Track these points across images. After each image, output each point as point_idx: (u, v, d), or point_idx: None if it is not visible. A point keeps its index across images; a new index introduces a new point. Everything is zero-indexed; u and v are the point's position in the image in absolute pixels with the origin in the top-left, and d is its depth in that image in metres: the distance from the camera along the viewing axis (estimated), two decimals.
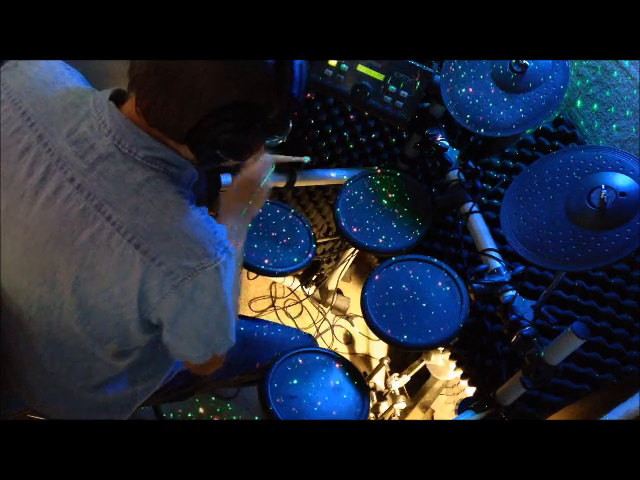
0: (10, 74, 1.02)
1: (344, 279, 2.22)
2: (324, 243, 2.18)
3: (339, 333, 2.35)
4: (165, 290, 0.94)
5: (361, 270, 2.38)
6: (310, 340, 1.59)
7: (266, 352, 1.44)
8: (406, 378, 1.90)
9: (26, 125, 0.97)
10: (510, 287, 1.36)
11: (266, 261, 1.47)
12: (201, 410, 1.95)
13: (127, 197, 0.93)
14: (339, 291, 2.20)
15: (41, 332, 1.04)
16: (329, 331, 2.31)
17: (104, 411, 1.20)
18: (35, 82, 1.00)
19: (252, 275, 1.51)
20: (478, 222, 1.53)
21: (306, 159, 1.48)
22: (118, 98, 0.97)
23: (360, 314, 1.41)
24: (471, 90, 1.49)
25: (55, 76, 1.02)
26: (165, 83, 0.90)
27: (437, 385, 1.88)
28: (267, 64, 0.91)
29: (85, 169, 0.94)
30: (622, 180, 1.17)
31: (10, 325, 1.05)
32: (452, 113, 1.49)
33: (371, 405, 1.82)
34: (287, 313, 2.33)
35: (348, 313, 2.23)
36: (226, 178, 1.56)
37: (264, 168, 1.25)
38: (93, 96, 0.98)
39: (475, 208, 1.54)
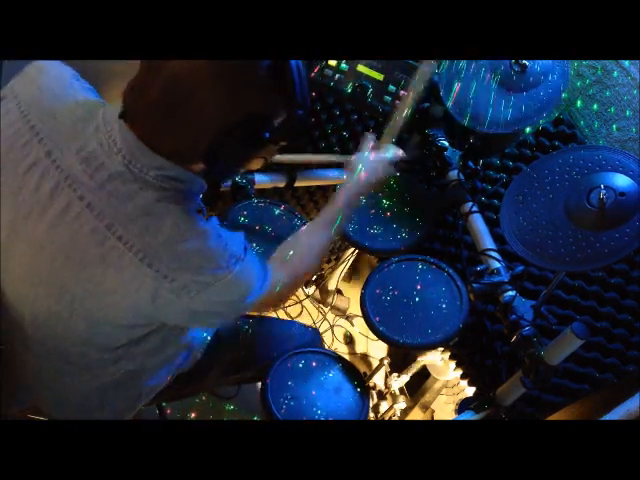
0: (20, 82, 1.01)
1: (344, 279, 2.22)
2: None
3: (339, 333, 2.35)
4: (183, 301, 0.95)
5: (361, 270, 2.38)
6: (314, 334, 1.59)
7: (268, 348, 1.44)
8: (406, 378, 1.90)
9: (35, 140, 0.96)
10: (510, 287, 1.36)
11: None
12: (201, 410, 1.95)
13: (137, 217, 0.93)
14: (339, 291, 2.20)
15: (47, 339, 1.04)
16: (329, 331, 2.30)
17: (108, 412, 1.20)
18: (45, 94, 0.99)
19: None
20: (478, 222, 1.53)
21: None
22: (127, 115, 0.96)
23: (360, 314, 1.41)
24: (471, 90, 1.49)
25: (64, 88, 1.01)
26: (170, 117, 0.90)
27: (437, 385, 1.88)
28: (264, 75, 0.91)
29: (95, 188, 0.93)
30: (621, 180, 1.17)
31: (14, 332, 1.06)
32: (452, 113, 1.49)
33: (371, 405, 1.82)
34: (287, 313, 2.33)
35: (348, 313, 2.23)
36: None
37: (383, 166, 1.35)
38: (102, 111, 0.97)
39: (475, 208, 1.54)
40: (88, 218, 0.93)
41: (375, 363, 2.18)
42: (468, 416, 1.44)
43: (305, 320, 2.32)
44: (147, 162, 0.93)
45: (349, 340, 2.37)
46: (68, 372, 1.10)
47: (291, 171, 1.67)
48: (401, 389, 1.91)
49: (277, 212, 1.60)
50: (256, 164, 1.04)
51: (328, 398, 1.37)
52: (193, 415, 1.94)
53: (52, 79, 1.01)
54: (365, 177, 1.32)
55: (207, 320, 1.09)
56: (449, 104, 1.50)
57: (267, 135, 0.95)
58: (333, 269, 2.11)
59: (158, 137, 0.93)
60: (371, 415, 1.88)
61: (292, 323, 1.71)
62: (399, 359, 2.07)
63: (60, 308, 0.99)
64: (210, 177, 1.03)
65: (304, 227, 1.26)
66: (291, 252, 1.17)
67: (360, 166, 1.33)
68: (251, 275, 1.02)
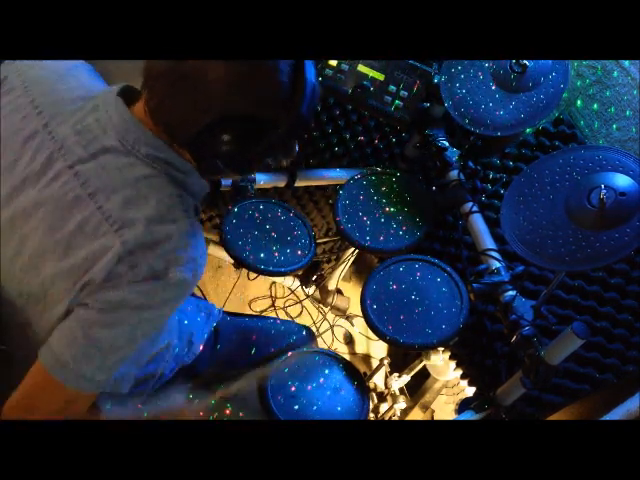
0: (26, 64, 1.03)
1: (344, 279, 2.22)
2: (324, 243, 2.18)
3: (339, 333, 2.35)
4: (119, 279, 0.91)
5: (361, 270, 2.38)
6: (308, 332, 1.59)
7: (265, 346, 1.44)
8: (406, 378, 1.90)
9: (33, 113, 0.98)
10: (510, 287, 1.36)
11: (266, 261, 1.47)
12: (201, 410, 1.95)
13: (121, 188, 0.93)
14: (339, 291, 2.20)
15: (33, 322, 1.00)
16: (329, 331, 2.30)
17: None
18: (48, 72, 1.02)
19: (252, 275, 1.51)
20: (478, 222, 1.53)
21: None
22: (128, 95, 0.97)
23: (360, 314, 1.41)
24: (471, 90, 1.49)
25: (69, 69, 1.03)
26: (176, 83, 0.90)
27: (437, 385, 1.88)
28: (280, 81, 0.91)
29: (85, 158, 0.94)
30: (622, 180, 1.17)
31: (9, 315, 1.03)
32: (452, 113, 1.49)
33: (371, 405, 1.82)
34: (287, 313, 2.33)
35: (348, 313, 2.23)
36: (227, 180, 1.56)
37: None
38: (104, 91, 0.99)
39: (475, 208, 1.54)
40: (73, 186, 0.94)
41: (375, 363, 2.18)
42: (468, 416, 1.44)
43: (305, 320, 2.32)
44: (140, 138, 0.94)
45: (349, 340, 2.37)
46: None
47: (291, 171, 1.67)
48: (401, 389, 1.91)
49: (277, 212, 1.60)
50: (241, 170, 1.01)
51: (328, 398, 1.37)
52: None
53: (58, 62, 1.04)
54: None
55: (138, 312, 0.94)
56: (449, 104, 1.50)
57: (261, 142, 0.95)
58: (333, 269, 2.11)
59: (156, 108, 0.93)
60: (371, 415, 1.88)
61: (285, 321, 1.71)
62: (399, 359, 2.07)
63: (37, 285, 0.96)
64: (198, 171, 1.01)
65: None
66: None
67: None
68: (178, 304, 0.98)
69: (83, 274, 0.92)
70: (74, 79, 1.02)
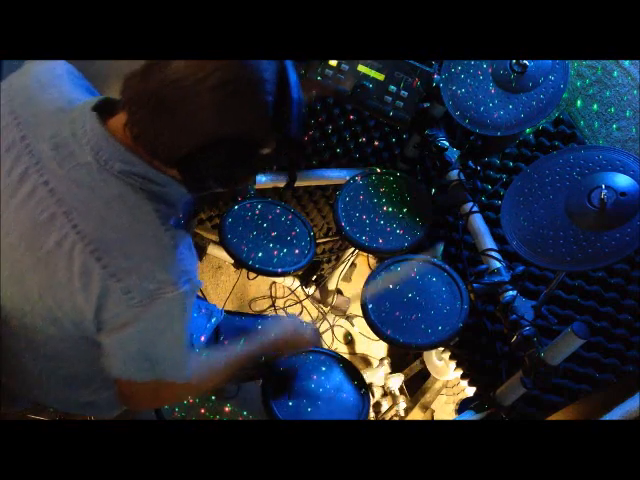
0: (17, 73, 1.02)
1: (344, 279, 2.22)
2: (324, 243, 2.17)
3: (339, 333, 2.35)
4: (120, 309, 0.92)
5: (361, 270, 2.38)
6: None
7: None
8: (406, 378, 1.90)
9: (13, 124, 0.97)
10: (510, 287, 1.36)
11: (266, 261, 1.47)
12: (201, 410, 1.95)
13: (96, 208, 0.92)
14: (339, 291, 2.19)
15: (18, 333, 1.02)
16: (329, 331, 2.30)
17: (89, 409, 1.17)
18: (31, 82, 1.00)
19: (252, 275, 1.51)
20: (478, 222, 1.53)
21: None
22: (105, 108, 0.95)
23: (360, 314, 1.41)
24: (471, 90, 1.49)
25: (52, 79, 1.01)
26: (161, 112, 0.88)
27: (437, 385, 1.88)
28: (266, 102, 0.90)
29: (61, 175, 0.93)
30: (622, 180, 1.17)
31: None
32: (452, 113, 1.49)
33: (371, 405, 1.82)
34: (287, 313, 2.33)
35: (348, 313, 2.23)
36: None
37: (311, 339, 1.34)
38: (83, 103, 0.96)
39: (475, 208, 1.54)
40: (49, 203, 0.93)
41: (375, 363, 2.18)
42: (468, 416, 1.44)
43: (305, 320, 2.32)
44: (114, 155, 0.93)
45: (349, 340, 2.37)
46: (45, 369, 1.07)
47: (291, 171, 1.67)
48: (401, 389, 1.92)
49: (277, 212, 1.60)
50: (230, 187, 1.01)
51: (328, 398, 1.37)
52: (193, 415, 1.93)
53: (43, 70, 1.02)
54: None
55: (143, 343, 0.98)
56: (449, 104, 1.50)
57: (249, 162, 0.94)
58: (333, 269, 2.11)
59: (140, 132, 0.91)
60: (371, 415, 1.88)
61: None
62: (399, 359, 2.07)
63: (23, 298, 0.97)
64: (186, 188, 1.00)
65: (229, 348, 1.21)
66: (214, 362, 1.15)
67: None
68: (189, 314, 0.99)
69: (69, 296, 0.93)
70: (56, 89, 1.00)
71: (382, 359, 1.97)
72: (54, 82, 1.01)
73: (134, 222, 0.93)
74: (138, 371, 1.01)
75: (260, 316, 1.62)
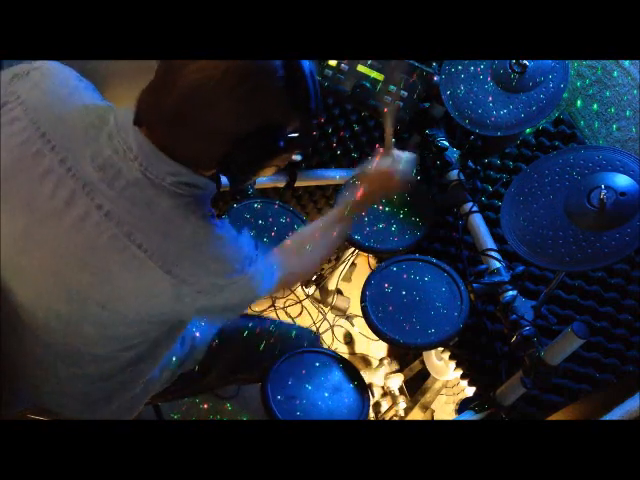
0: (23, 86, 0.98)
1: (344, 279, 2.22)
2: None
3: (339, 333, 2.34)
4: (198, 304, 0.98)
5: (361, 270, 2.38)
6: (311, 335, 1.59)
7: (267, 350, 1.44)
8: (405, 378, 1.90)
9: (46, 147, 0.94)
10: (510, 287, 1.36)
11: None
12: (201, 410, 1.95)
13: (157, 224, 0.93)
14: (339, 291, 2.20)
15: (57, 341, 1.04)
16: (329, 331, 2.30)
17: (111, 411, 1.20)
18: (51, 98, 0.98)
19: None
20: (478, 222, 1.53)
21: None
22: (139, 120, 0.95)
23: (360, 314, 1.41)
24: (471, 90, 1.49)
25: (70, 91, 1.00)
26: (187, 127, 0.90)
27: (437, 385, 1.88)
28: (282, 88, 0.92)
29: (113, 196, 0.92)
30: (622, 180, 1.17)
31: (26, 334, 1.05)
32: (452, 113, 1.49)
33: (371, 405, 1.82)
34: (287, 313, 2.32)
35: (348, 313, 2.23)
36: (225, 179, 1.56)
37: (405, 165, 1.30)
38: (114, 116, 0.95)
39: (475, 208, 1.54)
40: (108, 226, 0.93)
41: (375, 363, 2.18)
42: (468, 416, 1.44)
43: (305, 320, 2.32)
44: (163, 168, 0.93)
45: (349, 340, 2.37)
46: (74, 373, 1.10)
47: (291, 171, 1.67)
48: (401, 389, 1.91)
49: (277, 212, 1.60)
50: (269, 171, 1.05)
51: (328, 398, 1.37)
52: (193, 415, 1.94)
53: (57, 83, 1.00)
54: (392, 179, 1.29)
55: (222, 315, 1.15)
56: (449, 104, 1.50)
57: (281, 144, 0.96)
58: (333, 269, 2.11)
59: (173, 144, 0.93)
60: (371, 415, 1.88)
61: (291, 325, 1.71)
62: (399, 359, 2.07)
63: (72, 311, 0.99)
64: (230, 186, 1.04)
65: (316, 222, 1.25)
66: (303, 244, 1.19)
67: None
68: (262, 272, 1.04)
69: (142, 305, 0.97)
70: (77, 102, 0.98)
71: (382, 359, 1.97)
72: (74, 95, 0.99)
73: (193, 231, 0.95)
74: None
75: (262, 318, 1.62)
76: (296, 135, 0.98)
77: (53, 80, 1.00)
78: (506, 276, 1.38)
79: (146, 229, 0.93)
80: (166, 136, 0.93)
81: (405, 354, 2.11)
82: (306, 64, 0.95)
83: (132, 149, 0.93)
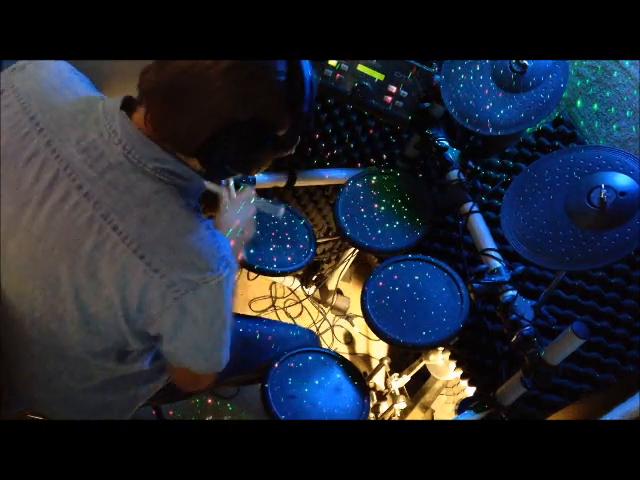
0: (19, 77, 1.01)
1: (344, 279, 2.22)
2: (324, 243, 2.18)
3: (339, 333, 2.35)
4: (167, 302, 0.95)
5: (361, 270, 2.38)
6: (311, 336, 1.59)
7: (267, 350, 1.44)
8: (406, 378, 1.90)
9: (35, 130, 0.96)
10: (510, 287, 1.36)
11: (266, 261, 1.47)
12: (201, 410, 1.95)
13: (135, 208, 0.93)
14: (339, 291, 2.19)
15: (43, 337, 1.04)
16: (329, 331, 2.30)
17: (105, 413, 1.20)
18: (44, 87, 0.99)
19: (252, 275, 1.51)
20: (478, 222, 1.53)
21: (281, 211, 1.40)
22: (128, 106, 0.96)
23: (360, 314, 1.41)
24: (471, 90, 1.49)
25: (63, 81, 1.01)
26: (178, 101, 0.90)
27: (437, 385, 1.88)
28: (279, 82, 0.91)
29: (94, 177, 0.93)
30: (622, 180, 1.17)
31: (12, 328, 1.05)
32: (452, 113, 1.49)
33: (371, 405, 1.82)
34: (287, 313, 2.33)
35: (348, 313, 2.23)
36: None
37: (243, 216, 1.26)
38: (102, 103, 0.97)
39: (475, 208, 1.54)
40: (85, 207, 0.93)
41: (375, 363, 2.18)
42: (468, 416, 1.44)
43: (305, 320, 2.32)
44: (147, 153, 0.94)
45: (349, 340, 2.37)
46: (65, 372, 1.10)
47: (291, 171, 1.67)
48: (401, 389, 1.91)
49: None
50: (245, 170, 1.03)
51: (328, 398, 1.37)
52: (193, 415, 1.94)
53: (51, 74, 1.01)
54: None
55: (185, 342, 1.02)
56: (449, 104, 1.50)
57: (265, 140, 0.95)
58: (333, 269, 2.11)
59: (160, 122, 0.93)
60: (371, 415, 1.88)
61: (291, 325, 1.71)
62: (399, 359, 2.07)
63: (55, 302, 0.98)
64: (205, 176, 1.02)
65: None
66: None
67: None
68: (231, 297, 1.02)
69: (113, 293, 0.94)
70: (70, 91, 1.00)
71: (382, 359, 1.97)
72: (66, 84, 1.01)
73: (172, 218, 0.94)
74: (197, 368, 1.08)
75: (260, 319, 1.62)
76: (281, 135, 0.97)
77: (47, 71, 1.02)
78: (506, 276, 1.38)
79: (124, 212, 0.92)
80: (155, 112, 0.92)
81: (405, 354, 2.11)
82: (307, 68, 0.95)
83: (117, 133, 0.94)
